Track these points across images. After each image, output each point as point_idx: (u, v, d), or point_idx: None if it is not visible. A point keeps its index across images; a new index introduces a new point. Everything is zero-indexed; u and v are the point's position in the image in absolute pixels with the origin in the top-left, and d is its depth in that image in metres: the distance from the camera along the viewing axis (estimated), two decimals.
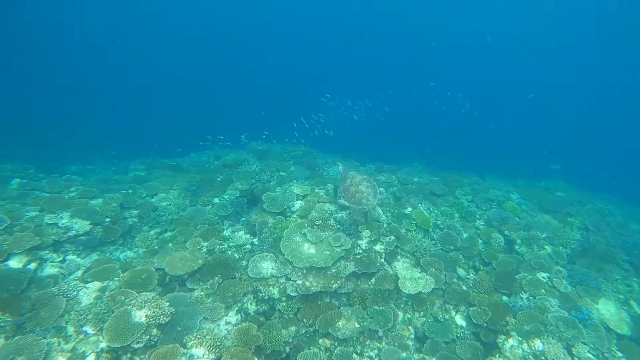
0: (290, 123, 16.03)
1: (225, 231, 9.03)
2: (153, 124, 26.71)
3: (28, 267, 6.93)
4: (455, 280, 8.50)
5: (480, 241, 9.93)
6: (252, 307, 7.46)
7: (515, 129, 31.89)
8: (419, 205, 10.83)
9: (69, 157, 18.22)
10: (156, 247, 8.63)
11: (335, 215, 9.10)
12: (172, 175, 11.84)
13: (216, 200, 10.37)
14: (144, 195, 10.23)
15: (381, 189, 11.51)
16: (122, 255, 8.43)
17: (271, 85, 37.76)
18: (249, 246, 8.54)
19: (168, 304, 6.58)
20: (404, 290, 7.81)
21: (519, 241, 9.92)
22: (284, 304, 7.51)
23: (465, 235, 10.10)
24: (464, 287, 8.43)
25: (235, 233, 8.92)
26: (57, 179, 10.43)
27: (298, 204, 9.55)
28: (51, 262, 7.31)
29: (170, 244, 8.65)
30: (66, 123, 22.16)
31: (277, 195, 9.74)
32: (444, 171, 17.64)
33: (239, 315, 7.30)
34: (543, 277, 8.75)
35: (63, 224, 7.98)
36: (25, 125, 19.59)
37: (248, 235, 8.82)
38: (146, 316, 6.28)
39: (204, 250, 8.25)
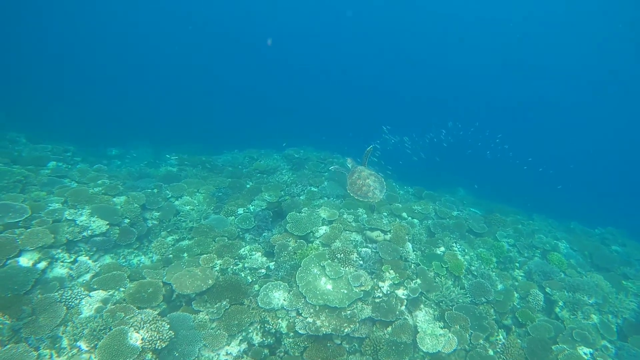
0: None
1: (243, 249, 8.62)
2: (207, 119, 27.01)
3: (37, 265, 6.80)
4: (481, 342, 7.63)
5: (516, 295, 8.97)
6: (257, 338, 7.00)
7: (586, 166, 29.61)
8: (454, 245, 9.96)
9: (114, 139, 18.62)
10: (170, 255, 8.35)
11: (360, 249, 8.47)
12: (202, 176, 11.59)
13: (240, 210, 9.99)
14: (169, 196, 10.03)
15: (415, 220, 10.72)
16: (135, 260, 8.22)
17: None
18: (263, 271, 8.08)
19: (168, 327, 6.23)
20: (421, 347, 7.08)
21: (561, 303, 8.87)
22: (291, 340, 7.01)
23: (500, 286, 9.16)
24: (491, 352, 7.56)
25: (253, 254, 8.48)
26: (89, 168, 10.44)
27: (323, 230, 9.00)
28: (62, 262, 7.17)
29: (185, 254, 8.35)
30: (119, 107, 22.73)
31: (303, 216, 9.23)
32: (490, 201, 16.49)
33: (242, 345, 6.87)
34: (585, 354, 7.71)
35: (81, 221, 7.85)
36: (80, 105, 20.20)
37: (265, 259, 8.36)
38: (142, 339, 5.95)
39: (217, 268, 7.87)
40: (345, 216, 9.66)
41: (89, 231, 7.73)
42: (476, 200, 16.28)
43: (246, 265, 8.13)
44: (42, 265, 6.87)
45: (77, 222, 7.82)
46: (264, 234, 9.49)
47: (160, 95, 28.80)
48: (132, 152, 16.91)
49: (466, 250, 9.98)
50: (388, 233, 9.11)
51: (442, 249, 9.64)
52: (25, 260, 6.74)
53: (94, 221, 7.95)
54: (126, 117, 22.04)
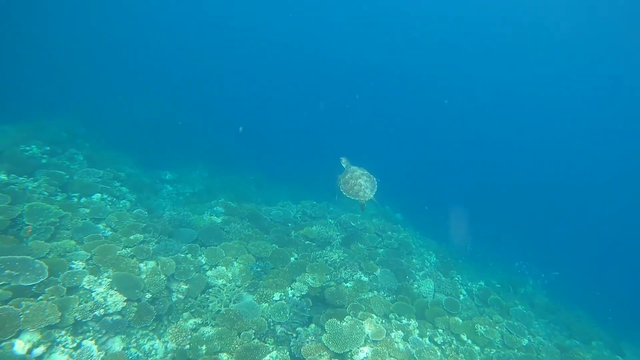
0: None
1: (269, 355, 7.37)
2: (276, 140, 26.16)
3: (34, 351, 5.95)
4: None
5: None
6: None
7: None
8: None
9: (175, 154, 18.35)
10: (187, 346, 7.28)
11: None
12: (245, 236, 10.56)
13: (277, 296, 8.76)
14: (203, 263, 9.04)
15: (476, 348, 8.93)
16: (147, 344, 7.22)
17: None
18: None
19: None
20: None
21: None
22: None
23: None
24: None
25: None
26: (127, 213, 9.73)
27: (364, 353, 7.53)
28: (63, 346, 6.30)
29: (203, 348, 7.25)
30: (189, 119, 22.60)
31: (344, 327, 7.84)
32: (568, 307, 14.25)
33: None
34: None
35: (98, 294, 7.00)
36: (149, 113, 20.20)
37: None
38: None
39: None
40: (393, 334, 8.14)
41: (102, 309, 6.84)
42: (550, 302, 14.04)
43: None
44: (40, 350, 6.02)
45: (94, 294, 6.98)
46: (297, 329, 8.21)
47: (232, 110, 28.57)
48: (186, 177, 16.42)
49: None
50: None
51: None
52: (21, 344, 5.92)
53: (111, 295, 7.08)
54: (194, 129, 21.82)
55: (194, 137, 20.90)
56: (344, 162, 8.82)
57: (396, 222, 14.74)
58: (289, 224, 12.14)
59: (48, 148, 11.91)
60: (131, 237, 8.67)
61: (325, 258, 10.25)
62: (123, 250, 8.17)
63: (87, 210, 9.34)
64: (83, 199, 10.25)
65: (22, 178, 9.72)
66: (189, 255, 9.00)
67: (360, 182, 8.01)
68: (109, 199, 10.61)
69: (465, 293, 11.33)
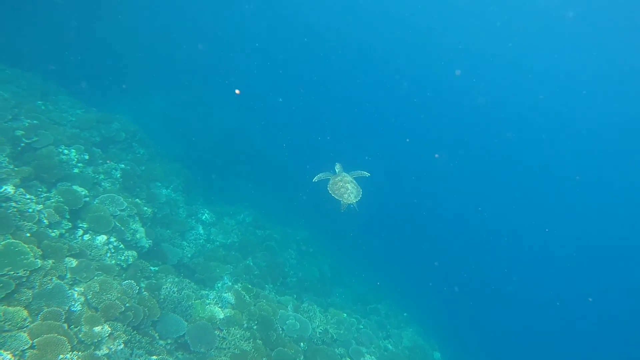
0: None
1: None
2: None
3: None
4: None
5: None
6: None
7: None
8: None
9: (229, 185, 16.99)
10: None
11: None
12: (240, 352, 8.44)
13: None
14: None
15: None
16: None
17: None
18: None
19: None
20: None
21: None
22: None
23: None
24: None
25: None
26: (115, 282, 7.97)
27: None
28: None
29: None
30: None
31: None
32: None
33: None
34: None
35: None
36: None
37: None
38: None
39: None
40: None
41: None
42: None
43: None
44: None
45: None
46: None
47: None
48: (227, 219, 14.82)
49: None
50: None
51: None
52: None
53: None
54: (261, 160, 20.42)
55: (258, 168, 19.38)
56: (338, 167, 9.13)
57: None
58: (302, 344, 9.83)
59: (87, 157, 10.76)
60: (95, 330, 6.87)
61: None
62: (69, 355, 6.37)
63: (74, 264, 7.79)
64: (87, 236, 8.87)
65: (30, 196, 8.48)
66: None
67: (347, 187, 8.43)
68: (114, 244, 9.10)
69: None
